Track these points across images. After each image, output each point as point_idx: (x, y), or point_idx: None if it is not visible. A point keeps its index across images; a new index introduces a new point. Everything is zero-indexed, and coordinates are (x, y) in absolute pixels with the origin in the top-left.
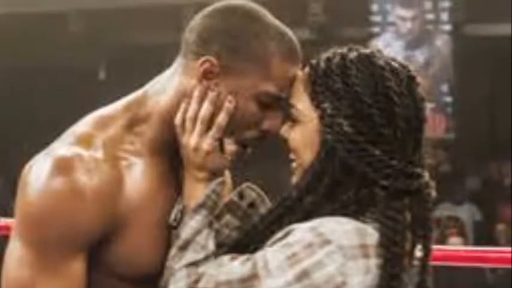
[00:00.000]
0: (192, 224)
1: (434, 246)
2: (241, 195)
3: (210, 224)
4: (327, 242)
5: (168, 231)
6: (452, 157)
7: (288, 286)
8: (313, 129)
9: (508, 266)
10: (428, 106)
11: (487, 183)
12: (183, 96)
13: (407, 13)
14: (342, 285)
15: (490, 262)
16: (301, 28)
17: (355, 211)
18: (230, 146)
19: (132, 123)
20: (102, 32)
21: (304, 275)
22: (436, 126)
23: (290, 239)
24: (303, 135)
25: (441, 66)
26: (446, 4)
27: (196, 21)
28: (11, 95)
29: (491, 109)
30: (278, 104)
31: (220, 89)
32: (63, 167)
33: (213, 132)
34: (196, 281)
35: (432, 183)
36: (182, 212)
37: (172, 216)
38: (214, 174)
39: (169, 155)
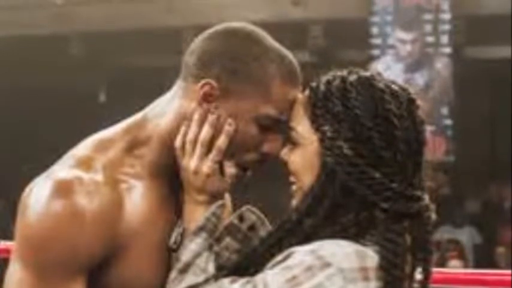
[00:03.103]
0: (192, 247)
1: (434, 269)
2: (241, 218)
3: (210, 247)
4: (327, 264)
5: (168, 254)
6: (452, 180)
7: None
8: (313, 152)
9: None
10: (428, 129)
11: (487, 206)
12: (183, 119)
13: (407, 36)
14: None
15: (490, 285)
16: (302, 51)
17: (355, 234)
18: (230, 169)
19: (132, 146)
20: (103, 55)
21: None
22: (436, 149)
23: (290, 261)
24: (303, 158)
25: (441, 89)
26: (446, 27)
27: (197, 44)
28: (12, 117)
29: (492, 132)
30: (278, 127)
31: (220, 112)
32: (63, 189)
33: (213, 155)
34: None
35: (432, 206)
36: (182, 235)
37: (172, 239)
38: (215, 197)
39: (169, 177)
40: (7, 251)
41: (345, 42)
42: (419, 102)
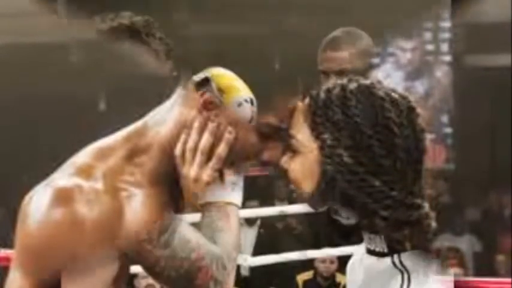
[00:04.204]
0: None
1: None
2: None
3: None
4: None
5: None
6: (452, 188)
7: None
8: (313, 160)
9: None
10: (428, 137)
11: (487, 214)
12: (183, 127)
13: (407, 44)
14: None
15: None
16: None
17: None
18: (230, 177)
19: (132, 154)
20: (102, 62)
21: None
22: (436, 157)
23: None
24: (303, 166)
25: (441, 97)
26: (446, 35)
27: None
28: (12, 125)
29: (491, 140)
30: (278, 135)
31: (221, 120)
32: (63, 197)
33: (213, 163)
34: None
35: (432, 214)
36: None
37: None
38: None
39: (169, 185)
40: (7, 259)
41: None
42: (419, 110)
